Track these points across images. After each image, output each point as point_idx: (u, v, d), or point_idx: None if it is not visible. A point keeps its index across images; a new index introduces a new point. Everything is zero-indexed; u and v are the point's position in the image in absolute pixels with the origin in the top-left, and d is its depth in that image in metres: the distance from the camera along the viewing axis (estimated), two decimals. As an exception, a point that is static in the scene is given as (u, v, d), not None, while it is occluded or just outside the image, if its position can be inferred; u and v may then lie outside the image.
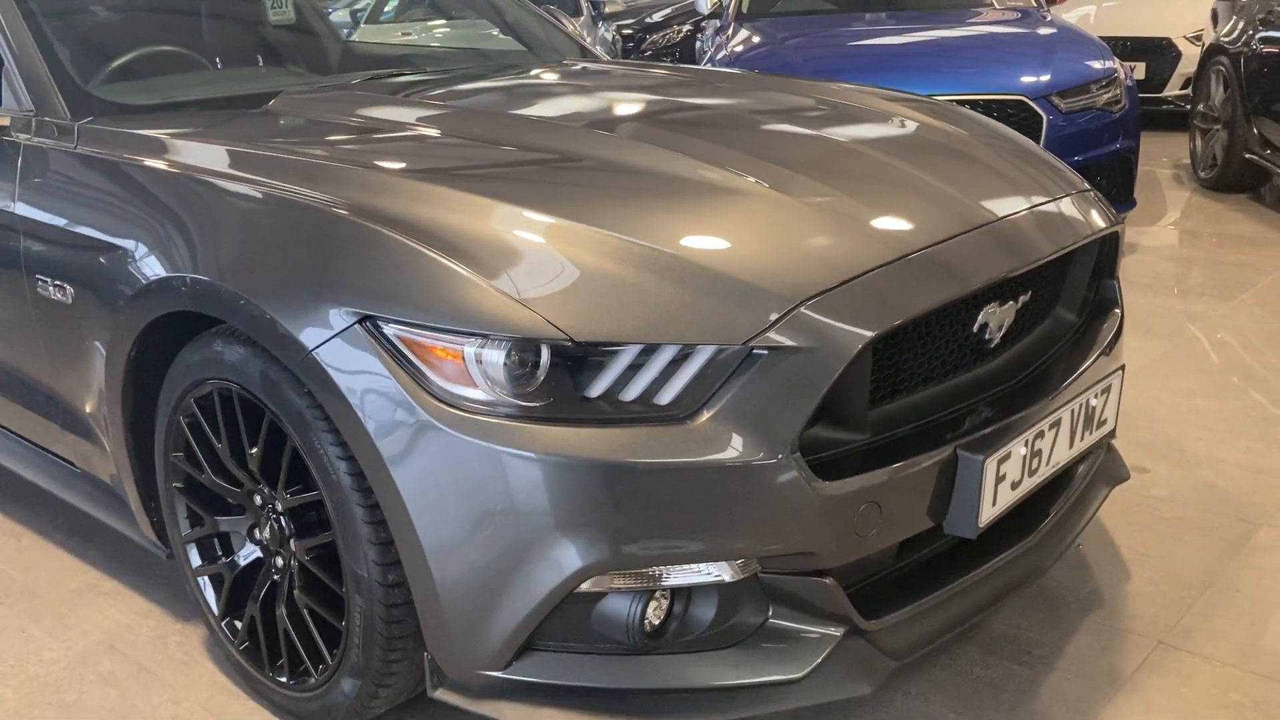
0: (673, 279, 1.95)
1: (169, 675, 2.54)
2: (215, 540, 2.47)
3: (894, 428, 2.07)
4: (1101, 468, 2.68)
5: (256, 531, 2.34)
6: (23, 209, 2.61)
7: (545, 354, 1.88)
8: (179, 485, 2.44)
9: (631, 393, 1.89)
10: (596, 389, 1.89)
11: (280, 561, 2.30)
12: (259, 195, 2.20)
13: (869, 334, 1.91)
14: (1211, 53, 7.20)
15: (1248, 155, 6.62)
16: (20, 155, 2.66)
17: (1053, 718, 2.28)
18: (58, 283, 2.53)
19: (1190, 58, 8.71)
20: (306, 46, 3.74)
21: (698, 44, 9.23)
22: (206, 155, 2.43)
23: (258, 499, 2.31)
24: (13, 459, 3.04)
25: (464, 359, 1.88)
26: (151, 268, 2.28)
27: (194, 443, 2.36)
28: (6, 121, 2.75)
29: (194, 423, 2.35)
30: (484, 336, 1.87)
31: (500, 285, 1.90)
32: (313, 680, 2.24)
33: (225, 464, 2.31)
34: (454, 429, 1.88)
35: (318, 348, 1.96)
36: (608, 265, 1.96)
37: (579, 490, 1.85)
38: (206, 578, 2.47)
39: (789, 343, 1.88)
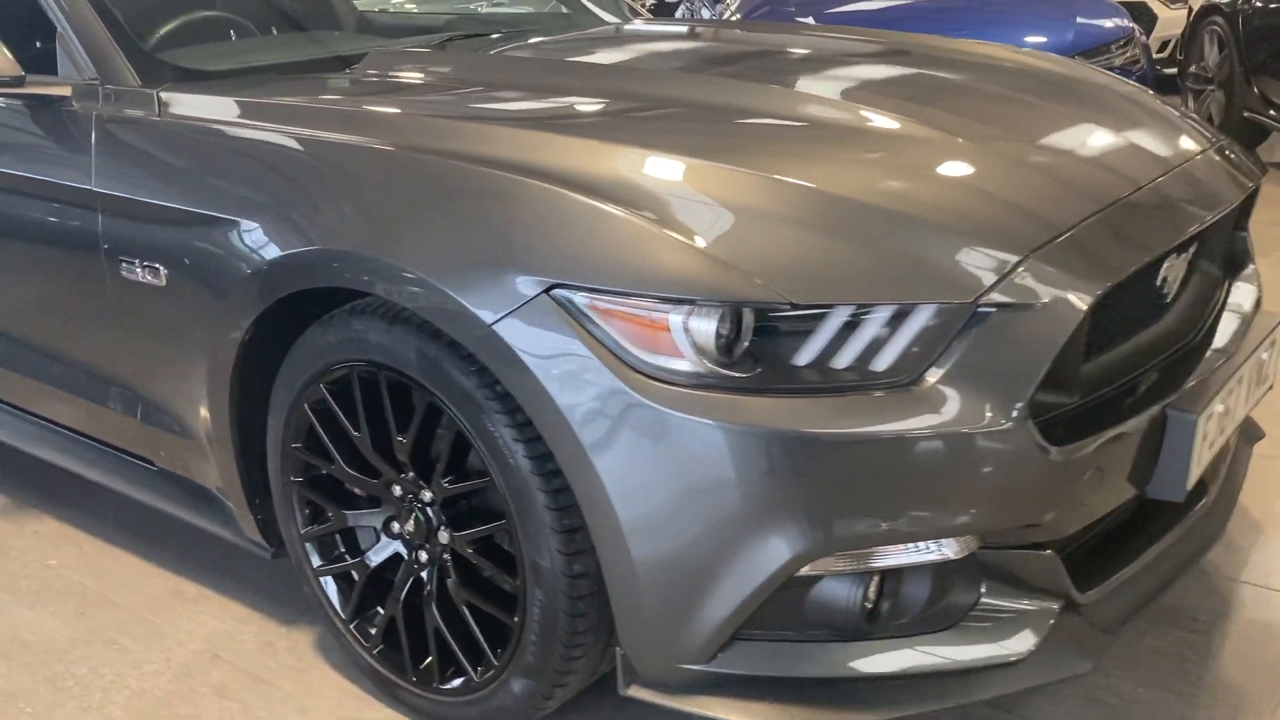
0: (885, 234, 1.81)
1: (287, 684, 2.35)
2: (338, 537, 2.29)
3: (1098, 388, 1.96)
4: (1243, 426, 2.60)
5: (395, 525, 2.17)
6: (102, 184, 2.39)
7: (749, 320, 1.73)
8: (298, 479, 2.26)
9: (844, 359, 1.75)
10: (805, 356, 1.75)
11: (425, 555, 2.13)
12: (411, 160, 2.01)
13: (1099, 287, 1.79)
14: (1204, 13, 7.20)
15: (1246, 115, 6.63)
16: (93, 127, 2.43)
17: (1242, 687, 2.19)
18: (148, 264, 2.32)
19: (1167, 21, 8.73)
20: (352, 12, 3.53)
21: (679, 11, 9.06)
22: (335, 119, 2.22)
23: (397, 490, 2.13)
24: (72, 459, 2.82)
25: (670, 328, 1.73)
26: (274, 243, 2.08)
27: (321, 432, 2.17)
28: (67, 91, 2.53)
29: (323, 410, 2.16)
30: (691, 303, 1.72)
31: (707, 246, 1.75)
32: (473, 683, 2.08)
33: (363, 453, 2.13)
34: (661, 404, 1.72)
35: (499, 321, 1.79)
36: (815, 222, 1.82)
37: (800, 467, 1.71)
38: (330, 577, 2.29)
39: (1017, 300, 1.76)
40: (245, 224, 2.14)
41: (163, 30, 2.81)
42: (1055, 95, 2.55)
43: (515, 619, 1.98)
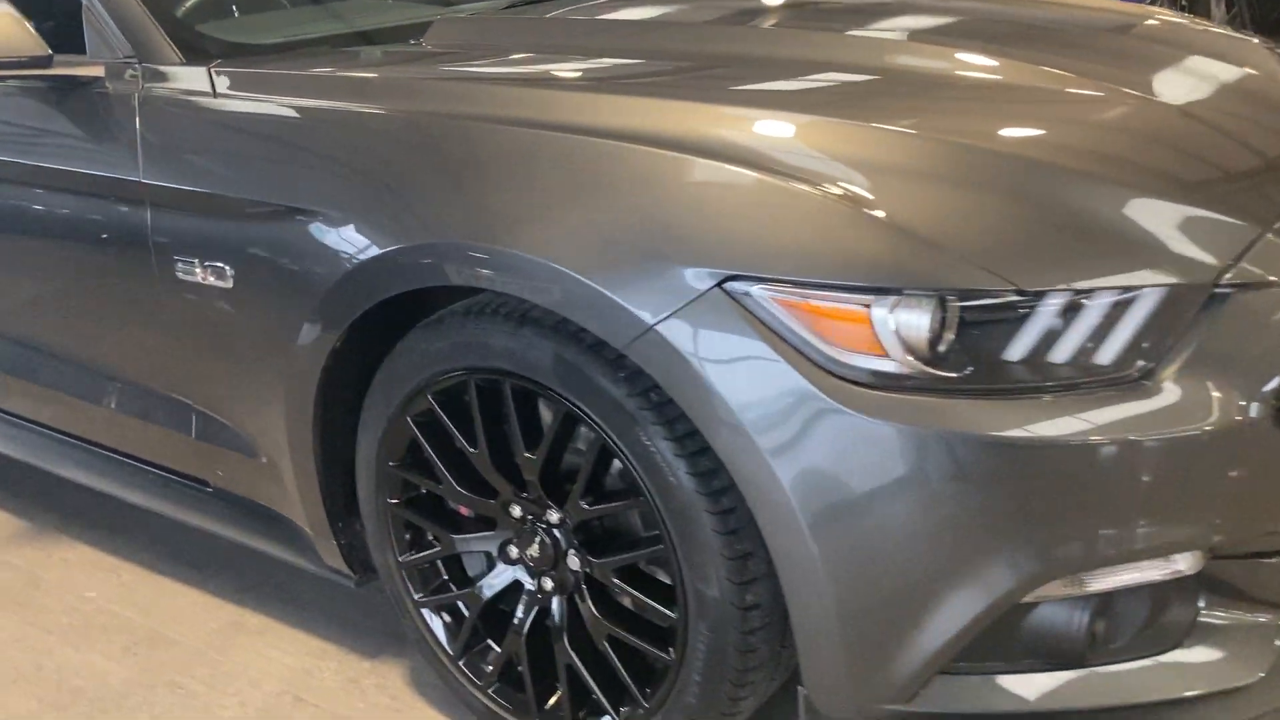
0: (1101, 206, 1.59)
1: (385, 727, 2.11)
2: (440, 564, 2.04)
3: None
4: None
5: (513, 549, 1.92)
6: (151, 175, 2.11)
7: (954, 311, 1.50)
8: (396, 501, 2.00)
9: (1063, 352, 1.52)
10: (1018, 350, 1.52)
11: (550, 583, 1.89)
12: (540, 138, 1.75)
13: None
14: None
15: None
16: (136, 111, 2.15)
17: None
18: (211, 263, 2.05)
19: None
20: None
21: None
22: (437, 94, 1.95)
23: (517, 510, 1.89)
24: (109, 480, 2.55)
25: (871, 322, 1.49)
26: (373, 238, 1.82)
27: (427, 448, 1.92)
28: (99, 71, 2.24)
29: (429, 423, 1.91)
30: (897, 292, 1.49)
31: (908, 224, 1.52)
32: (615, 726, 1.85)
33: (479, 470, 1.88)
34: (862, 411, 1.49)
35: (663, 321, 1.55)
36: (1019, 193, 1.59)
37: (1027, 478, 1.49)
38: (431, 609, 2.04)
39: (1259, 278, 1.54)
40: (335, 216, 1.87)
41: (192, 1, 2.53)
42: (1172, 44, 2.34)
43: (672, 655, 1.74)
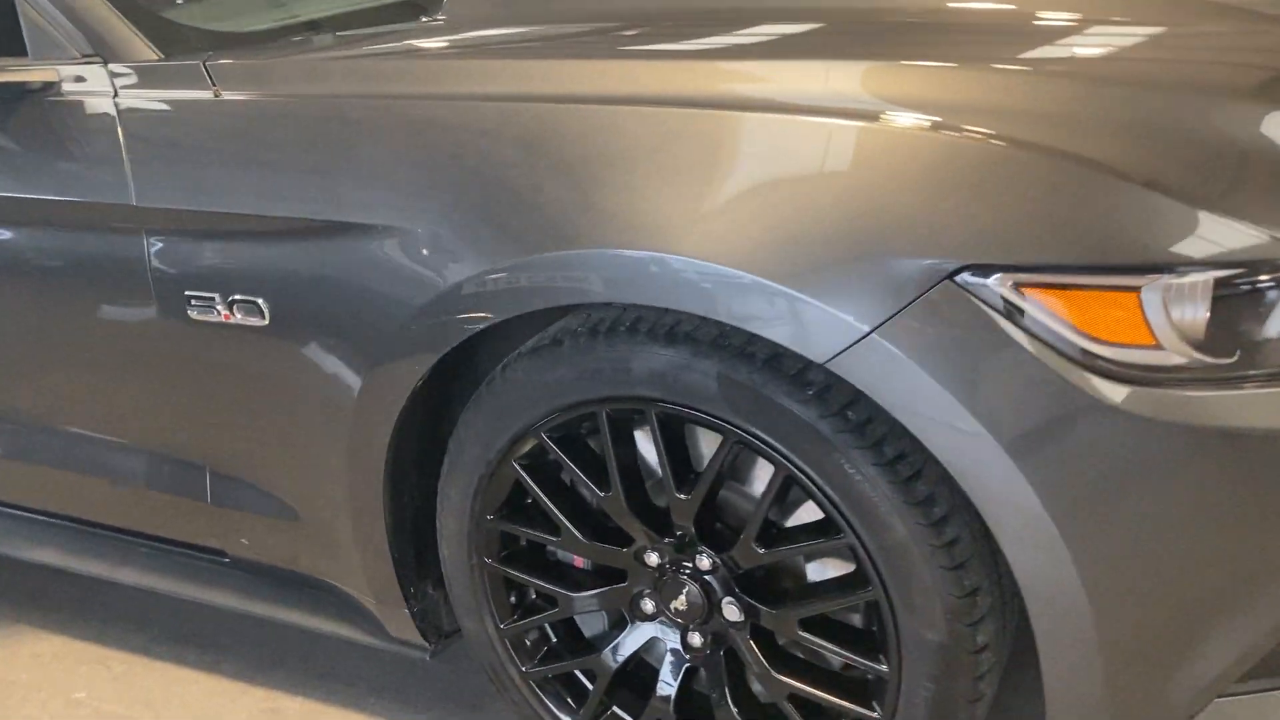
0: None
1: (492, 821, 1.81)
2: (548, 628, 1.74)
3: None
4: None
5: (648, 603, 1.64)
6: (147, 198, 1.74)
7: (1239, 289, 1.27)
8: (492, 559, 1.70)
9: None
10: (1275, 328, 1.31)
11: (700, 640, 1.62)
12: (697, 117, 1.44)
13: None
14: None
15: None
16: (117, 120, 1.77)
17: None
18: (238, 298, 1.70)
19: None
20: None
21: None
22: (533, 76, 1.63)
23: (654, 558, 1.60)
24: (96, 561, 2.16)
25: (1141, 307, 1.26)
26: (473, 253, 1.51)
27: (540, 495, 1.62)
28: (52, 75, 1.84)
29: (540, 466, 1.61)
30: (1170, 271, 1.26)
31: (1174, 189, 1.28)
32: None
33: (614, 516, 1.59)
34: (1132, 409, 1.26)
35: (882, 326, 1.29)
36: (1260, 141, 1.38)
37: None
38: (543, 682, 1.74)
39: None
40: (414, 231, 1.55)
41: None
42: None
43: (876, 711, 1.49)
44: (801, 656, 1.60)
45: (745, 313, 1.36)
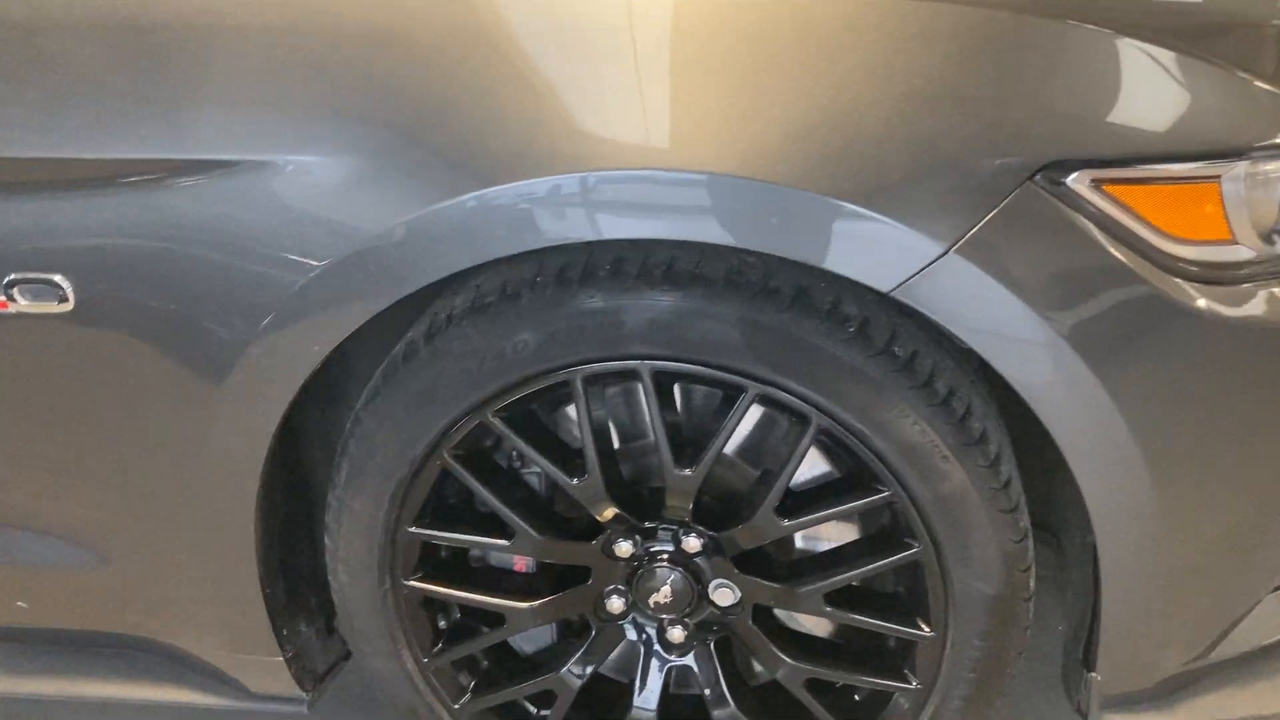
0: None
1: None
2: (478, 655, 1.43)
3: None
4: None
5: (616, 601, 1.36)
6: None
7: None
8: (409, 579, 1.35)
9: None
10: None
11: (681, 634, 1.37)
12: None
13: None
14: None
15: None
16: None
17: None
18: (22, 278, 1.23)
19: None
20: None
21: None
22: None
23: (626, 548, 1.33)
24: None
25: (1222, 200, 1.14)
26: (384, 196, 1.15)
27: (484, 491, 1.30)
28: None
29: (481, 458, 1.30)
30: (1245, 157, 1.14)
31: (1261, 73, 1.16)
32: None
33: (587, 504, 1.30)
34: (1219, 311, 1.14)
35: (962, 241, 1.09)
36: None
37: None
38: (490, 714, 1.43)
39: None
40: (302, 166, 1.16)
41: None
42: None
43: (913, 683, 1.32)
44: (809, 635, 1.40)
45: (792, 239, 1.11)
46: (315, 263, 1.17)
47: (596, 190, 1.12)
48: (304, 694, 1.48)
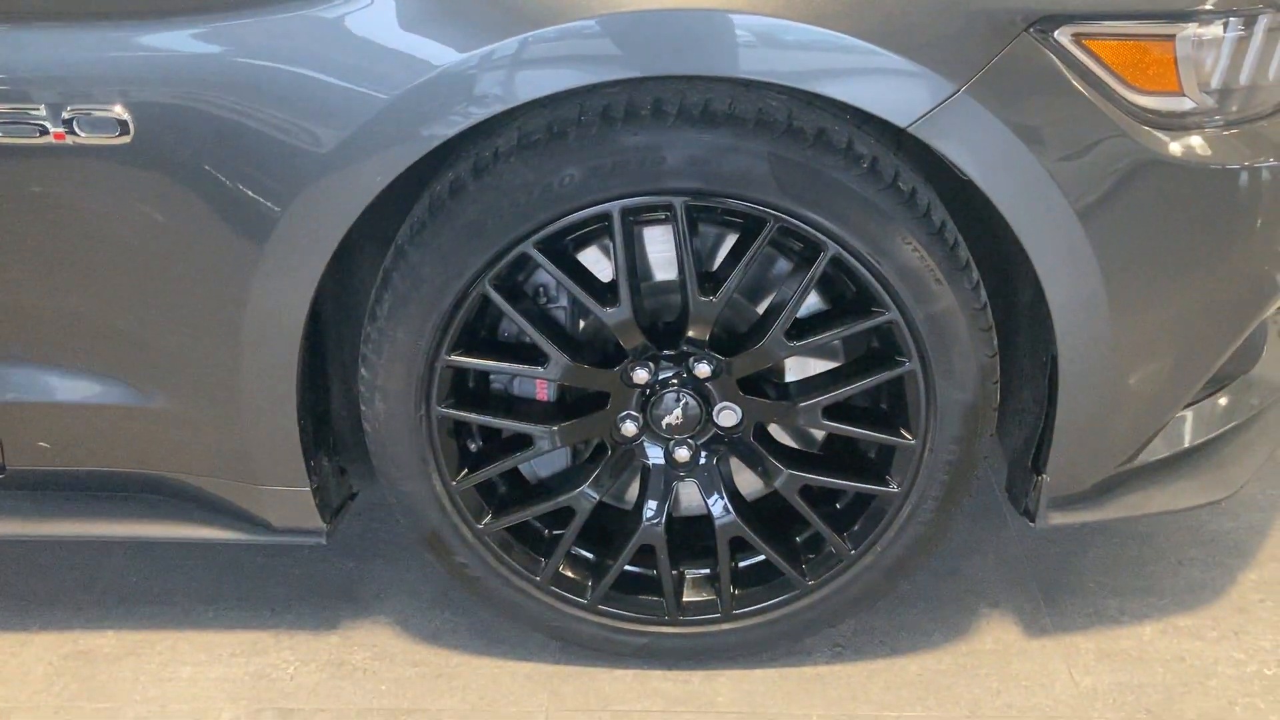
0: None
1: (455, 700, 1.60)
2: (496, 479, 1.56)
3: None
4: None
5: (630, 425, 1.49)
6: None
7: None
8: (441, 405, 1.46)
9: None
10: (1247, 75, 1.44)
11: (686, 453, 1.52)
12: None
13: None
14: None
15: None
16: None
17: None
18: (83, 109, 1.27)
19: None
20: None
21: None
22: None
23: (642, 374, 1.47)
24: None
25: (1175, 55, 1.34)
26: (439, 35, 1.24)
27: (522, 319, 1.41)
28: None
29: (512, 288, 1.44)
30: (1193, 18, 1.33)
31: None
32: (804, 586, 1.56)
33: (618, 333, 1.43)
34: (1175, 156, 1.35)
35: (971, 82, 1.26)
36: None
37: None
38: (495, 538, 1.56)
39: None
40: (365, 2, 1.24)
41: None
42: None
43: (894, 486, 1.50)
44: (799, 449, 1.57)
45: (821, 74, 1.26)
46: (383, 95, 1.25)
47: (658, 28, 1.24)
48: (324, 525, 1.57)
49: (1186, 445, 1.61)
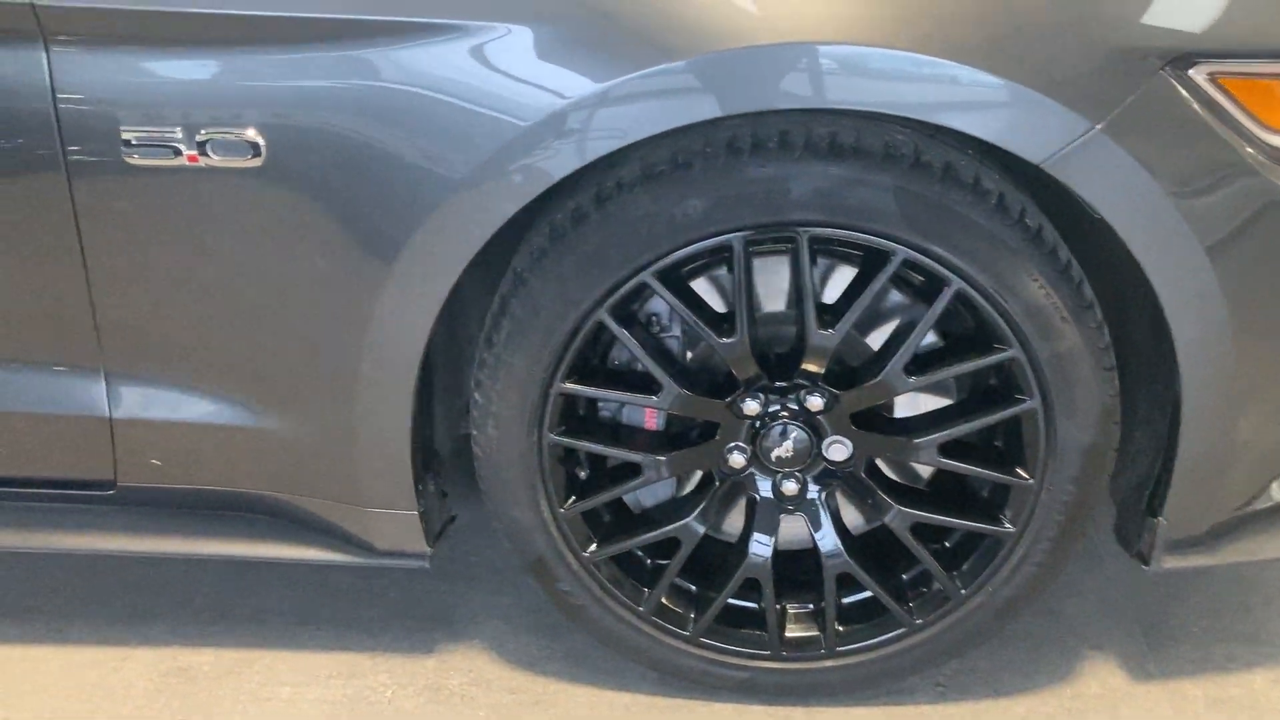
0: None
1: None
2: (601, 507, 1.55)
3: None
4: None
5: (737, 457, 1.47)
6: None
7: None
8: (552, 433, 1.46)
9: None
10: None
11: (794, 486, 1.50)
12: None
13: None
14: None
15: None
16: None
17: None
18: (217, 133, 1.29)
19: None
20: None
21: None
22: None
23: (753, 406, 1.45)
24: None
25: None
26: (576, 66, 1.25)
27: (638, 347, 1.41)
28: None
29: (629, 316, 1.44)
30: None
31: None
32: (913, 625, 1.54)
33: (732, 362, 1.42)
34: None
35: (1107, 120, 1.24)
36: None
37: None
38: (601, 566, 1.55)
39: None
40: (498, 32, 1.25)
41: None
42: None
43: (1008, 525, 1.48)
44: (909, 485, 1.56)
45: (955, 109, 1.25)
46: (522, 122, 1.26)
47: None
48: (428, 549, 1.57)
49: (1304, 490, 1.58)
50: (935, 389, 1.51)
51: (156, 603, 1.80)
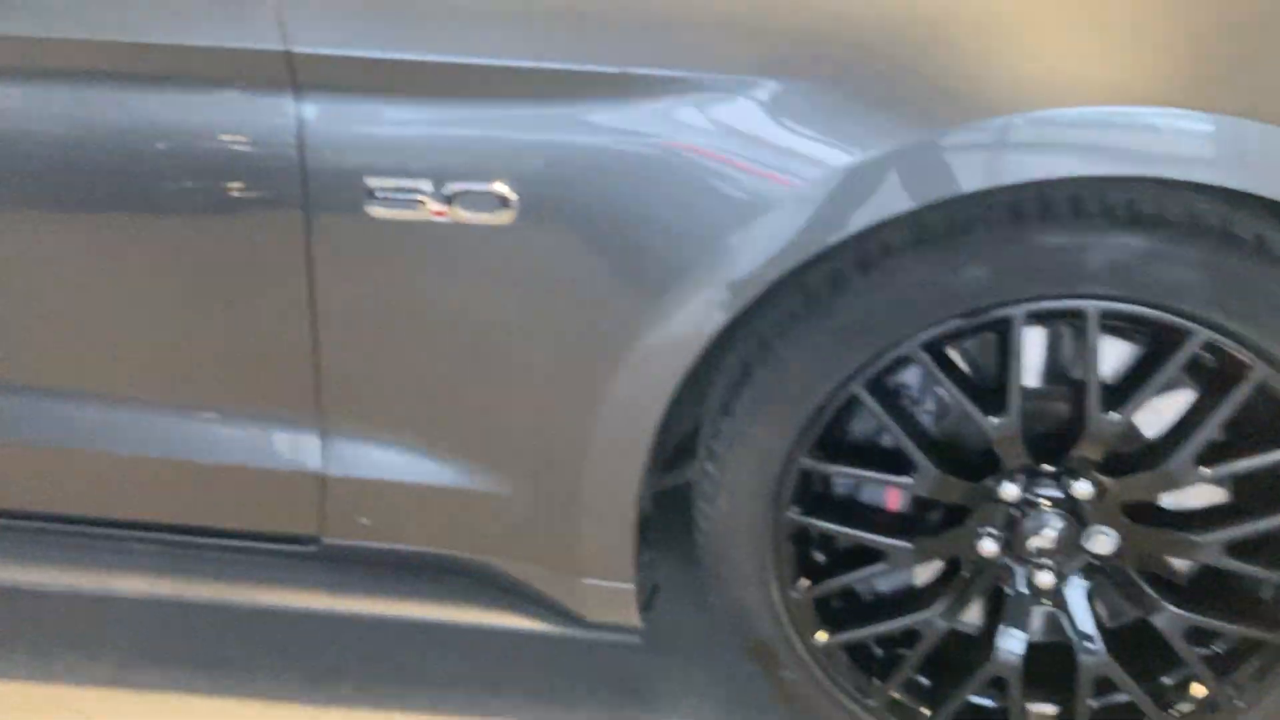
0: None
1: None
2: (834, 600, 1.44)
3: None
4: None
5: (989, 544, 1.35)
6: (311, 38, 1.20)
7: None
8: (796, 510, 1.35)
9: None
10: None
11: (1050, 579, 1.37)
12: None
13: None
14: None
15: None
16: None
17: None
18: (465, 187, 1.22)
19: None
20: None
21: None
22: None
23: (1012, 490, 1.33)
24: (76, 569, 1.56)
25: None
26: (860, 124, 1.16)
27: (893, 423, 1.30)
28: None
29: (889, 391, 1.32)
30: None
31: None
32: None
33: (998, 443, 1.30)
34: None
35: None
36: None
37: None
38: (831, 655, 1.44)
39: None
40: (773, 89, 1.16)
41: None
42: None
43: (1292, 632, 1.34)
44: (1177, 582, 1.42)
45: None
46: (800, 181, 1.16)
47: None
48: (639, 624, 1.48)
49: None
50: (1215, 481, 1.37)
51: (344, 662, 1.73)
